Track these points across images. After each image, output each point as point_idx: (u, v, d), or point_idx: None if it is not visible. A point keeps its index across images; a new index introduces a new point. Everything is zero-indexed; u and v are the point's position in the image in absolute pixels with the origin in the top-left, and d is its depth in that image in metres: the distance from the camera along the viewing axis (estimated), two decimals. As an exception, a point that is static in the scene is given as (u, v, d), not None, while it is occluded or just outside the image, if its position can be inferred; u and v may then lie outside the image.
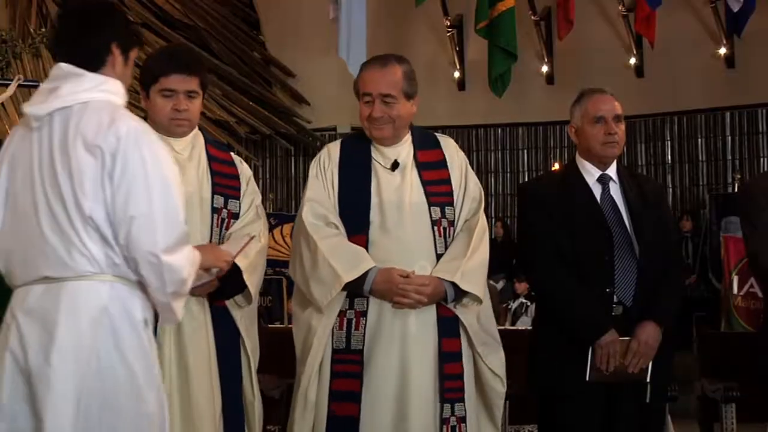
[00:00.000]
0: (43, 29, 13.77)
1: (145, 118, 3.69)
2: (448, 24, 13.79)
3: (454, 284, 3.57)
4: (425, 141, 3.79)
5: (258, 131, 14.05)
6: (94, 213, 2.70)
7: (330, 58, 11.35)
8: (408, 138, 3.76)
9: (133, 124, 2.75)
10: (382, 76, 3.66)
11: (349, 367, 3.56)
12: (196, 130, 3.73)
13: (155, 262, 2.70)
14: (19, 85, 8.31)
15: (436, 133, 3.88)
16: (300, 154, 14.20)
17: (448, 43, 13.93)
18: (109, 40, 2.86)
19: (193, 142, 3.70)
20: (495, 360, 3.70)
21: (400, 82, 3.66)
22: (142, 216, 2.69)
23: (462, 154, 3.83)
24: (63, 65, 2.84)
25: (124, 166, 2.70)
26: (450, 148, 3.81)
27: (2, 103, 11.35)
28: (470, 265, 3.60)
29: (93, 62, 2.84)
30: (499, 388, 3.71)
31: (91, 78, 2.82)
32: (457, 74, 13.93)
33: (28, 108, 2.83)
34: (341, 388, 3.56)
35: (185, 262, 2.77)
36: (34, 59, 13.25)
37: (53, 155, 2.76)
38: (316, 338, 3.57)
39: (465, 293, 3.61)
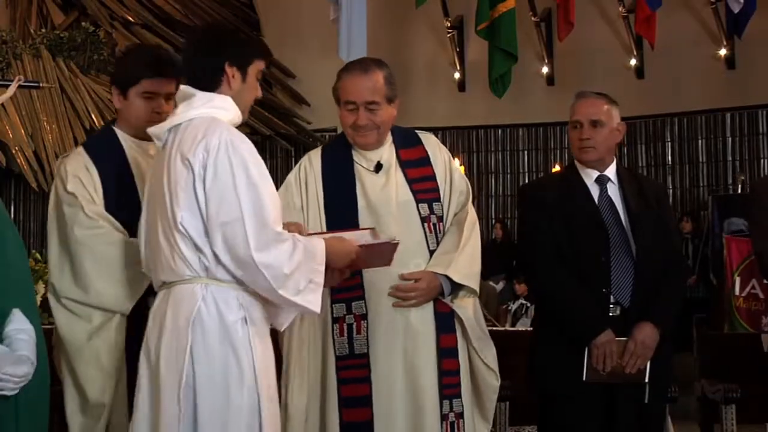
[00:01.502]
0: (44, 30, 13.77)
1: (114, 119, 3.69)
2: (449, 25, 13.79)
3: (448, 278, 3.58)
4: (407, 139, 3.79)
5: (258, 132, 14.05)
6: (184, 221, 2.93)
7: (330, 59, 11.31)
8: (389, 139, 3.75)
9: (224, 135, 2.95)
10: (364, 83, 3.62)
11: (356, 372, 3.56)
12: None
13: (251, 263, 2.89)
14: (20, 86, 8.31)
15: (417, 131, 3.86)
16: (300, 154, 14.07)
17: (448, 44, 13.93)
18: (222, 61, 3.07)
19: None
20: (489, 354, 3.71)
21: (383, 88, 3.64)
22: (233, 221, 2.89)
23: (445, 149, 3.83)
24: (182, 87, 3.11)
25: (213, 175, 2.91)
26: (432, 144, 3.81)
27: (2, 104, 11.35)
28: (462, 258, 3.61)
29: (209, 84, 3.08)
30: (493, 382, 3.72)
31: (200, 96, 3.06)
32: (457, 75, 13.93)
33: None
34: (351, 394, 3.56)
35: (283, 258, 2.92)
36: (34, 60, 13.23)
37: (163, 169, 3.02)
38: (284, 351, 3.60)
39: (461, 287, 3.61)
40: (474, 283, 3.66)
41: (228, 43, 3.11)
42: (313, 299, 3.00)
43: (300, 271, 2.95)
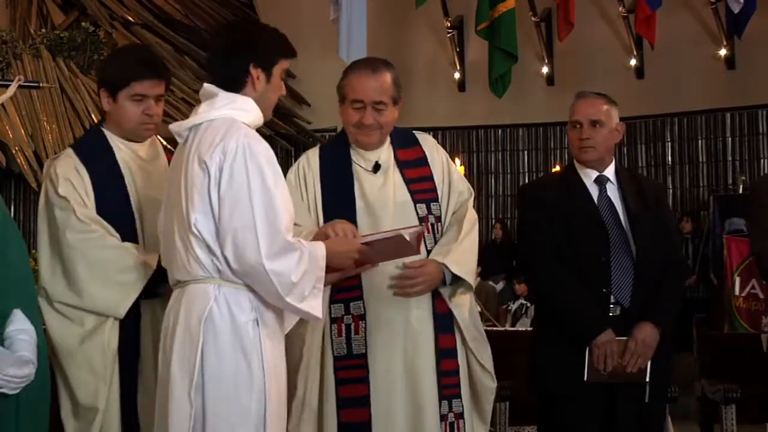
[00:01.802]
0: (44, 30, 13.77)
1: (102, 120, 3.66)
2: (449, 25, 13.79)
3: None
4: (404, 140, 3.79)
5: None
6: (198, 223, 2.94)
7: (330, 59, 11.33)
8: (387, 139, 3.75)
9: (242, 139, 2.96)
10: (373, 83, 3.62)
11: (354, 372, 3.56)
12: (153, 136, 3.69)
13: (261, 270, 2.89)
14: (20, 86, 8.30)
15: (414, 131, 3.86)
16: (300, 154, 14.17)
17: (448, 44, 13.93)
18: (247, 62, 3.06)
19: (154, 149, 3.68)
20: (485, 355, 3.71)
21: (390, 89, 3.64)
22: (244, 227, 2.89)
23: (442, 150, 3.84)
24: (206, 85, 3.11)
25: (229, 179, 2.91)
26: (429, 145, 3.81)
27: (2, 104, 11.35)
28: (460, 250, 3.60)
29: (233, 85, 3.07)
30: (489, 383, 3.71)
31: (222, 97, 3.06)
32: (457, 75, 13.93)
33: (171, 125, 3.14)
34: (349, 394, 3.56)
35: (292, 267, 2.92)
36: (34, 60, 13.23)
37: (181, 169, 3.03)
38: (306, 346, 3.58)
39: (458, 281, 3.61)
40: (470, 277, 3.65)
41: (253, 44, 3.09)
42: (316, 305, 3.02)
43: (306, 279, 2.97)
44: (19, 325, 2.97)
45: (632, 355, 3.74)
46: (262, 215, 2.89)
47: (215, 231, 2.93)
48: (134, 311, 3.43)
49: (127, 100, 3.53)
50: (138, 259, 3.42)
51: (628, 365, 3.74)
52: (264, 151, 2.98)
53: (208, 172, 2.93)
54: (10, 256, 3.02)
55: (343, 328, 3.58)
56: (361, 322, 3.57)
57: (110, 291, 3.40)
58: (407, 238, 3.30)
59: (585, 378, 3.76)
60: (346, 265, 3.21)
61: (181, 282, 3.03)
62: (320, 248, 3.04)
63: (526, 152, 13.95)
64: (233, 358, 2.93)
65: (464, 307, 3.67)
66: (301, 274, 2.94)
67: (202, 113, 3.06)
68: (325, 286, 3.25)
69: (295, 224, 3.56)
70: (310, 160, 3.75)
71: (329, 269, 3.08)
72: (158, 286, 3.42)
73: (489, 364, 3.72)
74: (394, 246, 3.32)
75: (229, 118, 3.01)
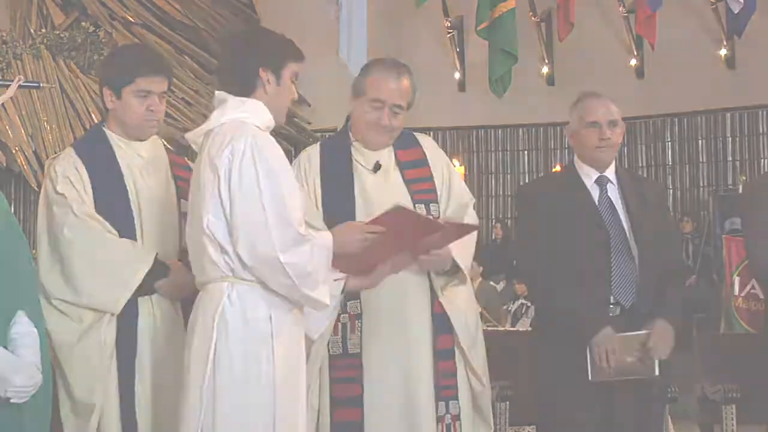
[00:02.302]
0: (44, 30, 13.78)
1: (103, 120, 3.68)
2: (449, 25, 13.80)
3: None
4: (405, 141, 3.80)
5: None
6: (210, 224, 3.00)
7: (330, 59, 11.34)
8: None
9: (249, 139, 3.00)
10: (398, 87, 3.65)
11: (348, 372, 3.57)
12: (154, 136, 3.70)
13: (276, 263, 2.94)
14: (20, 86, 8.31)
15: (414, 133, 3.87)
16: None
17: (448, 44, 13.93)
18: (256, 65, 3.12)
19: (155, 147, 3.68)
20: (477, 359, 3.69)
21: (409, 94, 3.68)
22: (256, 222, 2.95)
23: (443, 153, 3.86)
24: (217, 93, 3.18)
25: (239, 179, 2.97)
26: (430, 146, 3.83)
27: (2, 104, 11.36)
28: (460, 241, 3.56)
29: (244, 90, 3.13)
30: (479, 387, 3.70)
31: (232, 101, 3.12)
32: (457, 75, 13.93)
33: (187, 134, 3.23)
34: (342, 394, 3.57)
35: (305, 258, 2.98)
36: (34, 60, 13.25)
37: (198, 174, 3.10)
38: (314, 344, 3.56)
39: (454, 273, 3.60)
40: (465, 268, 3.64)
41: (261, 47, 3.15)
42: (325, 291, 3.07)
43: (319, 268, 3.02)
44: (23, 328, 2.98)
45: (655, 343, 3.72)
46: (273, 210, 2.95)
47: (227, 230, 2.99)
48: (132, 307, 3.44)
49: (132, 97, 3.55)
50: (135, 255, 3.44)
51: (653, 354, 3.73)
52: (272, 149, 3.04)
53: (218, 174, 2.99)
54: (14, 257, 3.03)
55: (339, 326, 3.58)
56: (357, 321, 3.57)
57: (107, 287, 3.42)
58: (405, 205, 3.27)
59: (590, 377, 3.74)
60: (355, 249, 3.18)
61: (201, 284, 3.09)
62: (328, 237, 3.10)
63: (526, 152, 13.95)
64: (243, 354, 2.97)
65: (457, 304, 3.66)
66: (316, 264, 3.00)
67: (214, 119, 3.13)
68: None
69: (309, 224, 3.58)
70: (311, 157, 3.76)
71: (339, 257, 3.11)
72: (155, 282, 3.43)
73: (481, 368, 3.70)
74: (402, 222, 3.25)
75: (238, 121, 3.07)
